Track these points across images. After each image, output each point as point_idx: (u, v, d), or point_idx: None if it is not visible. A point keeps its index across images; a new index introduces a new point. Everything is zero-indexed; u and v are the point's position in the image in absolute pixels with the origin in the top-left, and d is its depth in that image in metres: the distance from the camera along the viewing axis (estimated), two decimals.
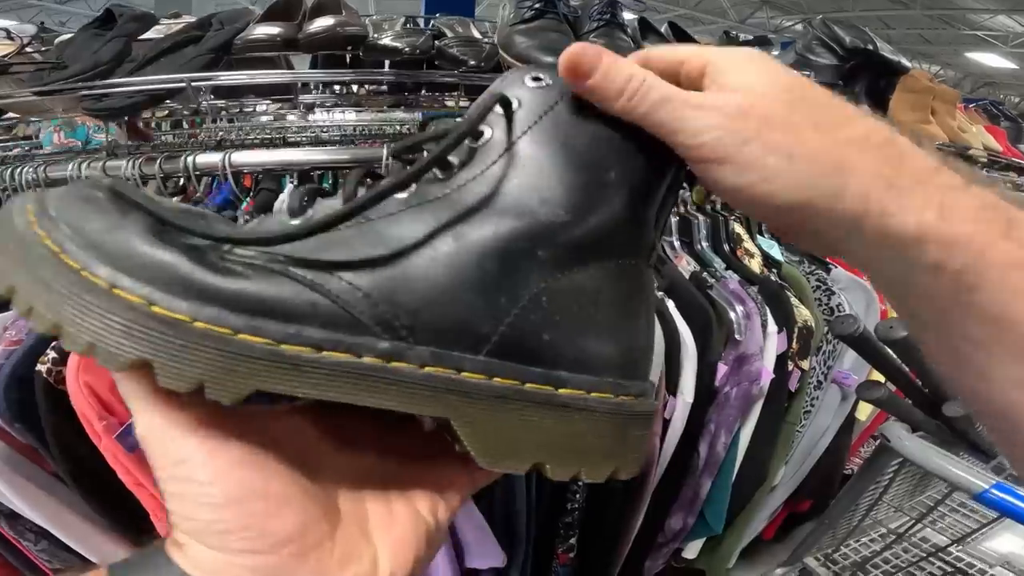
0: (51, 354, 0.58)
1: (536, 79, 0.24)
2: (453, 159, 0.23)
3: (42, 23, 1.13)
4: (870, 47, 1.29)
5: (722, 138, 0.21)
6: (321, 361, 0.19)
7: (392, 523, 0.22)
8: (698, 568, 1.14)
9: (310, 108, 1.62)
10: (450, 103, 1.79)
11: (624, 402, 0.23)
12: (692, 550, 1.07)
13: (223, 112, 1.30)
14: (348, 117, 1.91)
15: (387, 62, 1.04)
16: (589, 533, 0.85)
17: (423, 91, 1.35)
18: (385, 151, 0.73)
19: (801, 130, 0.20)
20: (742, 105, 0.21)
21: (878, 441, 1.10)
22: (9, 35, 0.98)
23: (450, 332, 0.21)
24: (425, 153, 0.23)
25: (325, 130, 1.70)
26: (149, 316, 0.18)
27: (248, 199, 0.96)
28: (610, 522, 0.86)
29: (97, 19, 0.92)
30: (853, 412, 1.09)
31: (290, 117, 1.81)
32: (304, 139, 1.60)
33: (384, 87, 1.37)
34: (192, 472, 0.19)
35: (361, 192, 0.22)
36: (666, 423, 0.79)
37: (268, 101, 1.53)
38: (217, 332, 0.19)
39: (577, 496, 0.79)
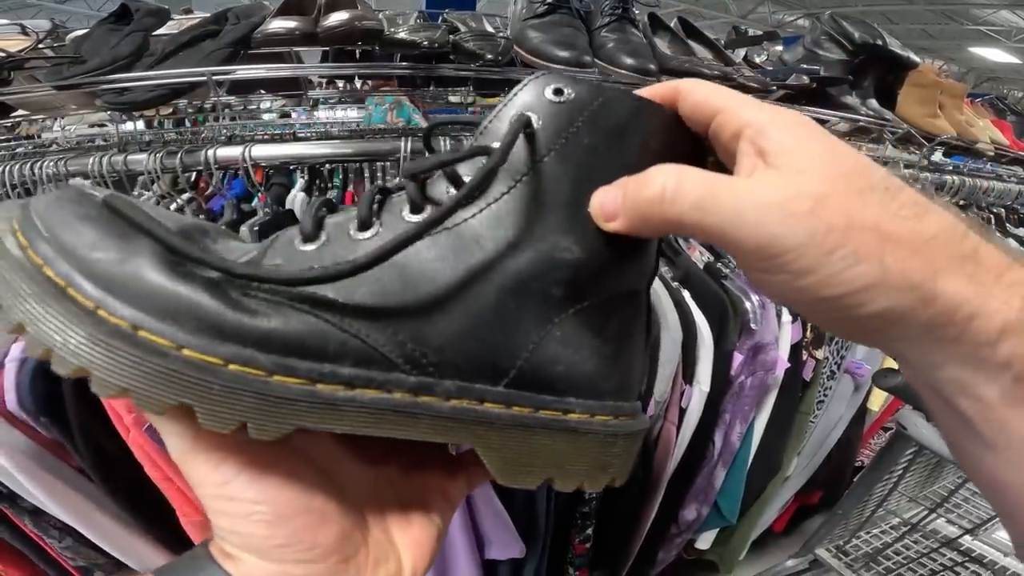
0: None
1: (557, 92, 0.22)
2: (466, 179, 0.22)
3: (52, 19, 1.13)
4: (879, 42, 1.29)
5: (802, 247, 0.17)
6: (356, 399, 0.20)
7: (409, 526, 0.24)
8: (708, 559, 1.14)
9: (315, 104, 1.62)
10: (454, 99, 1.79)
11: (623, 423, 0.24)
12: (705, 540, 1.07)
13: (227, 109, 1.30)
14: (350, 114, 1.91)
15: (397, 57, 1.04)
16: (605, 523, 0.86)
17: (431, 86, 1.35)
18: (403, 145, 0.73)
19: (887, 228, 0.17)
20: (816, 198, 0.17)
21: (890, 431, 1.11)
22: (24, 30, 0.98)
23: (472, 367, 0.21)
24: (438, 173, 0.23)
25: (333, 126, 1.71)
26: (182, 361, 0.18)
27: (260, 192, 0.96)
28: (626, 511, 0.86)
29: (112, 14, 0.92)
30: (865, 403, 1.10)
31: (293, 115, 1.81)
32: (312, 135, 1.60)
33: (391, 82, 1.38)
34: (237, 492, 0.20)
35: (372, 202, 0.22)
36: (682, 412, 0.79)
37: (275, 97, 1.53)
38: (252, 375, 0.19)
39: None
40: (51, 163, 0.72)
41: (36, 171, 0.73)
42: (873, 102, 1.30)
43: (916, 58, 1.35)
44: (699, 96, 0.22)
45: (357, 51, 1.10)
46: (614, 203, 0.21)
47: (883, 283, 0.17)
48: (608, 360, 0.23)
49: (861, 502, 1.01)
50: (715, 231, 0.19)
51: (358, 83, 1.48)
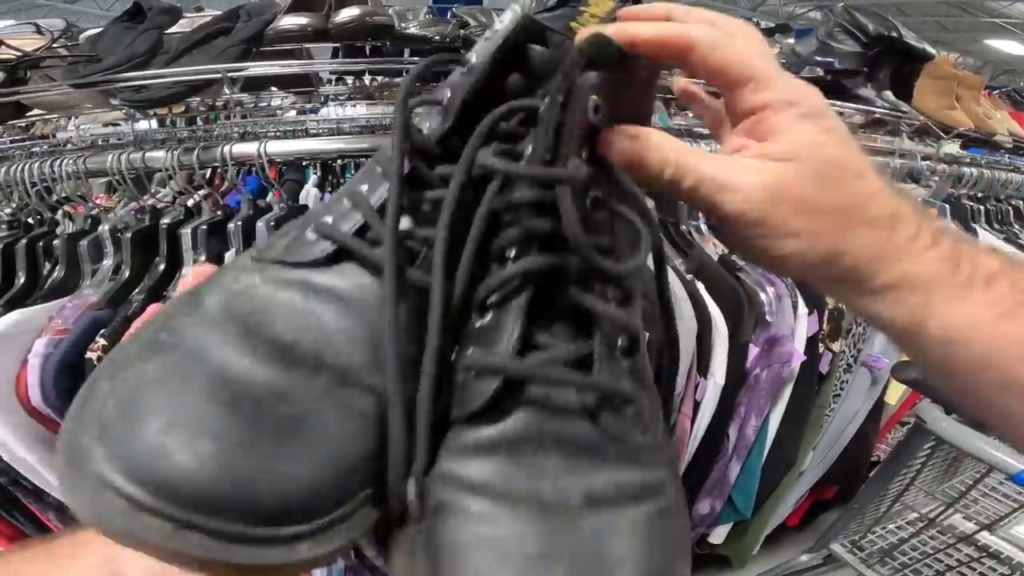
0: (101, 341, 0.59)
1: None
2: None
3: (65, 19, 1.14)
4: (894, 34, 1.27)
5: (751, 224, 0.23)
6: None
7: None
8: (721, 554, 1.14)
9: (325, 101, 1.62)
10: None
11: None
12: (718, 535, 1.07)
13: (238, 108, 1.31)
14: (360, 111, 1.91)
15: (406, 52, 1.05)
16: None
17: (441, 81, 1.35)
18: None
19: (823, 217, 0.23)
20: (778, 188, 0.22)
21: (907, 426, 1.09)
22: (39, 30, 0.99)
23: None
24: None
25: (344, 122, 1.71)
26: None
27: (275, 188, 0.97)
28: None
29: (126, 13, 0.93)
30: (882, 397, 1.08)
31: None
32: (323, 131, 1.61)
33: (399, 79, 1.38)
34: None
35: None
36: (697, 405, 0.79)
37: (286, 95, 1.53)
38: None
39: None
40: (70, 161, 0.73)
41: (55, 169, 0.74)
42: (889, 94, 1.28)
43: (932, 50, 1.33)
44: (729, 57, 0.23)
45: (367, 47, 1.10)
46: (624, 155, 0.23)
47: (801, 255, 0.23)
48: None
49: (878, 496, 1.00)
50: (699, 201, 0.23)
51: (367, 80, 1.48)
